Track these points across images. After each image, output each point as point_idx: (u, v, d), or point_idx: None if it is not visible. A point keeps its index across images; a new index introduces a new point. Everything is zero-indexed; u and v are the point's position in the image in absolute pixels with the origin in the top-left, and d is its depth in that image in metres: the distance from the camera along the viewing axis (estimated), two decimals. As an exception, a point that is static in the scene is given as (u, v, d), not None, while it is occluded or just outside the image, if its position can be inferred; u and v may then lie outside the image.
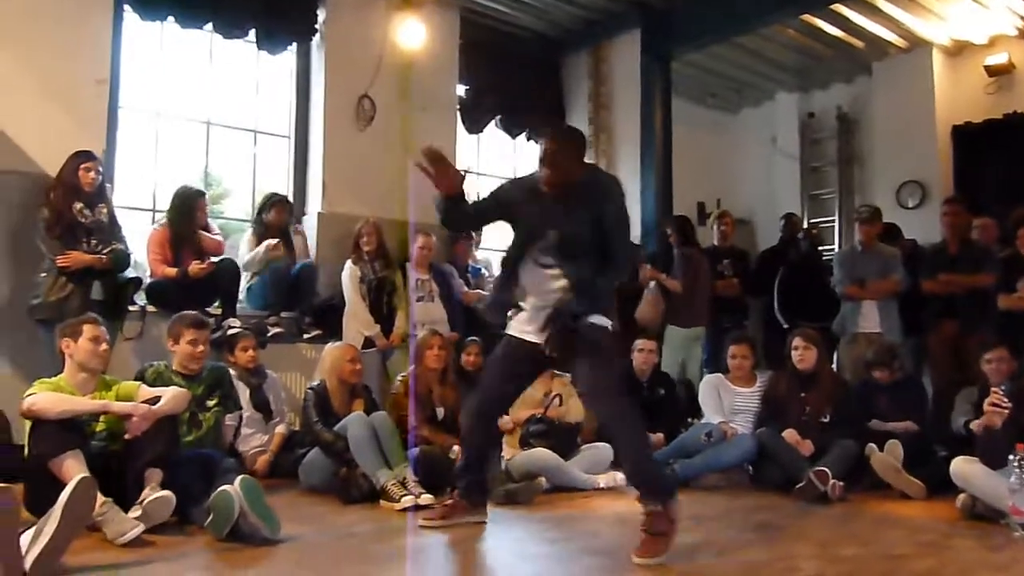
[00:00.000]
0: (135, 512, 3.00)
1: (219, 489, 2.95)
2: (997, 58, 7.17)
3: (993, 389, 3.59)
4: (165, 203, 5.29)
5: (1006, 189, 6.58)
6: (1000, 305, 5.09)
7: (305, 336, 5.47)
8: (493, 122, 7.19)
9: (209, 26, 5.71)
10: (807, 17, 6.93)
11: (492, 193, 3.31)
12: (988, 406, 3.60)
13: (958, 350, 5.12)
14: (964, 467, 3.65)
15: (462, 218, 3.31)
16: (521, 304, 3.22)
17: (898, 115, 7.59)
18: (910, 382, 5.02)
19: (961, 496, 3.67)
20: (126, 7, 5.35)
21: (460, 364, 4.87)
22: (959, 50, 7.46)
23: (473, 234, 6.31)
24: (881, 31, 7.16)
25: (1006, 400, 3.57)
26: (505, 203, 3.23)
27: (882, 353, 4.99)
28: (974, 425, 4.18)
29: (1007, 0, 6.54)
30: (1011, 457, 3.33)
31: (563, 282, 3.04)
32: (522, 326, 3.20)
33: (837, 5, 6.66)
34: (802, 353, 4.70)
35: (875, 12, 6.83)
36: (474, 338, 5.05)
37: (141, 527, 2.91)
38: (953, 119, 7.38)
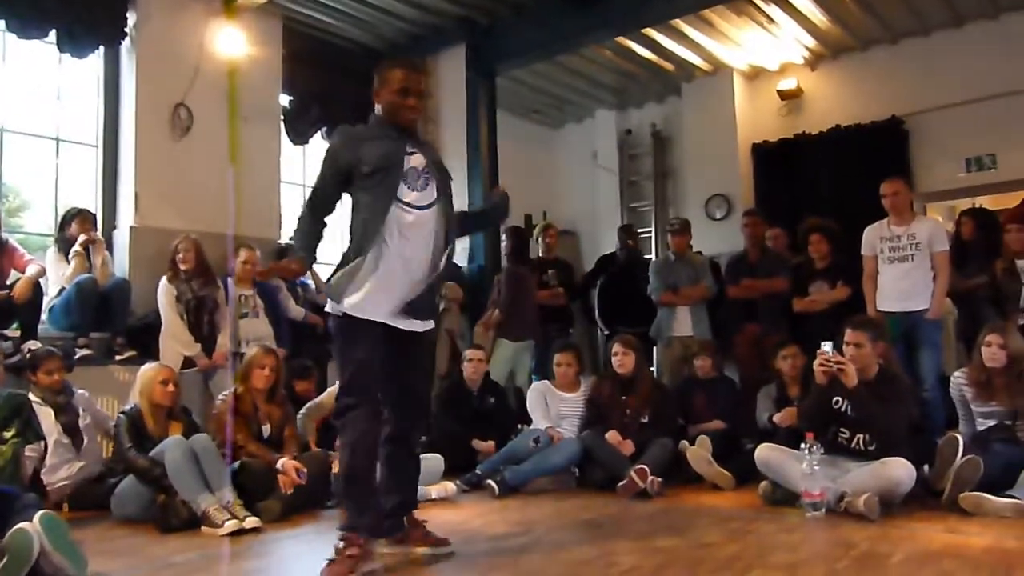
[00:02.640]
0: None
1: (15, 527, 2.72)
2: (787, 83, 7.89)
3: (819, 352, 3.89)
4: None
5: (798, 202, 7.24)
6: (795, 308, 5.59)
7: (117, 358, 5.13)
8: (319, 133, 7.07)
9: (0, 24, 5.27)
10: (622, 40, 7.32)
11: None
12: (817, 366, 3.89)
13: (759, 349, 5.57)
14: (767, 454, 3.99)
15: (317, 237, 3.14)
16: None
17: (705, 133, 8.17)
18: (723, 380, 5.43)
19: (763, 484, 4.00)
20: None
21: (290, 383, 4.75)
22: (756, 75, 8.15)
23: None
24: (688, 55, 7.69)
25: (830, 354, 3.85)
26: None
27: (704, 346, 5.45)
28: (776, 418, 4.62)
29: (794, 32, 7.20)
30: (802, 445, 3.68)
31: None
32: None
33: (648, 29, 7.09)
34: (621, 358, 4.96)
35: (682, 37, 7.32)
36: (308, 364, 4.95)
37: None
38: (753, 138, 8.03)
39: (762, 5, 6.72)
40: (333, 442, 4.29)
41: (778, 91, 7.91)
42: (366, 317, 2.88)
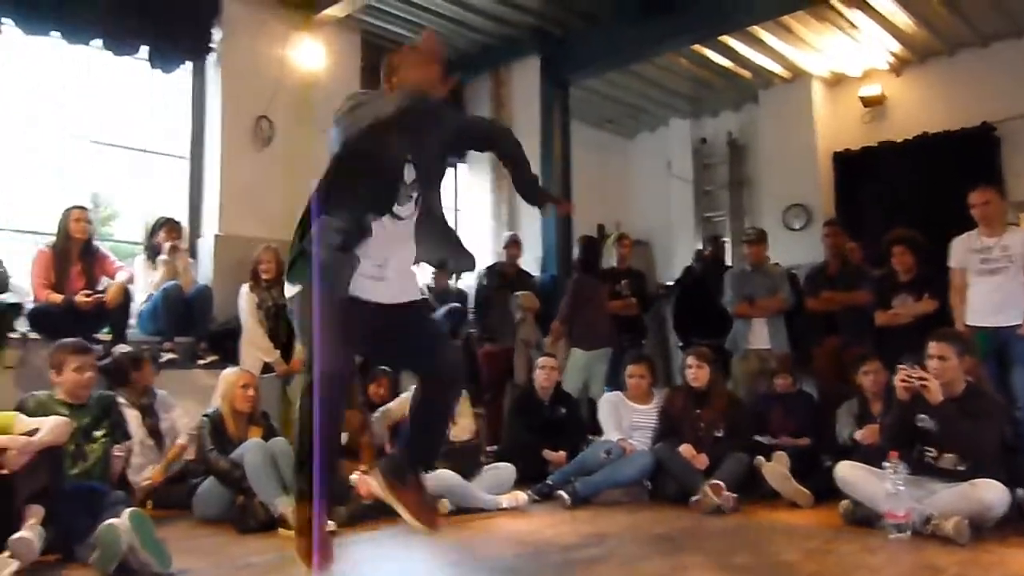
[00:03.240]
0: (6, 557, 2.84)
1: (105, 523, 2.83)
2: (870, 90, 7.66)
3: (900, 367, 3.77)
4: (51, 226, 5.07)
5: (881, 212, 7.01)
6: (877, 322, 5.40)
7: (200, 362, 5.30)
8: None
9: (98, 43, 5.52)
10: (697, 47, 7.24)
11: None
12: (899, 381, 3.77)
13: (839, 364, 5.40)
14: (848, 471, 3.86)
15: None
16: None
17: (783, 141, 7.99)
18: (801, 394, 5.29)
19: (843, 502, 3.86)
20: (5, 20, 5.12)
21: (364, 388, 4.83)
22: (837, 81, 7.94)
23: None
24: (766, 62, 7.55)
25: (914, 370, 3.72)
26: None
27: (783, 361, 5.30)
28: (858, 435, 4.46)
29: (878, 36, 7.00)
30: (886, 464, 3.54)
31: None
32: None
33: (725, 37, 6.99)
34: (695, 371, 4.88)
35: (760, 44, 7.19)
36: (384, 368, 5.04)
37: (13, 566, 2.75)
38: (834, 146, 7.82)
39: (844, 10, 6.55)
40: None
41: (861, 98, 7.69)
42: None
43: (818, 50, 7.34)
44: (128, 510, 2.91)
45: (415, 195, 2.83)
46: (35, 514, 2.98)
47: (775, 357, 5.54)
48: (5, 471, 2.97)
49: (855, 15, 6.64)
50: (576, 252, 6.58)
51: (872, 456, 3.98)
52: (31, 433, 3.09)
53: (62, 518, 3.02)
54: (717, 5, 6.28)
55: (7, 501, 2.95)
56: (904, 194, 7.15)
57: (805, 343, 5.85)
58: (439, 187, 3.01)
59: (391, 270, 2.80)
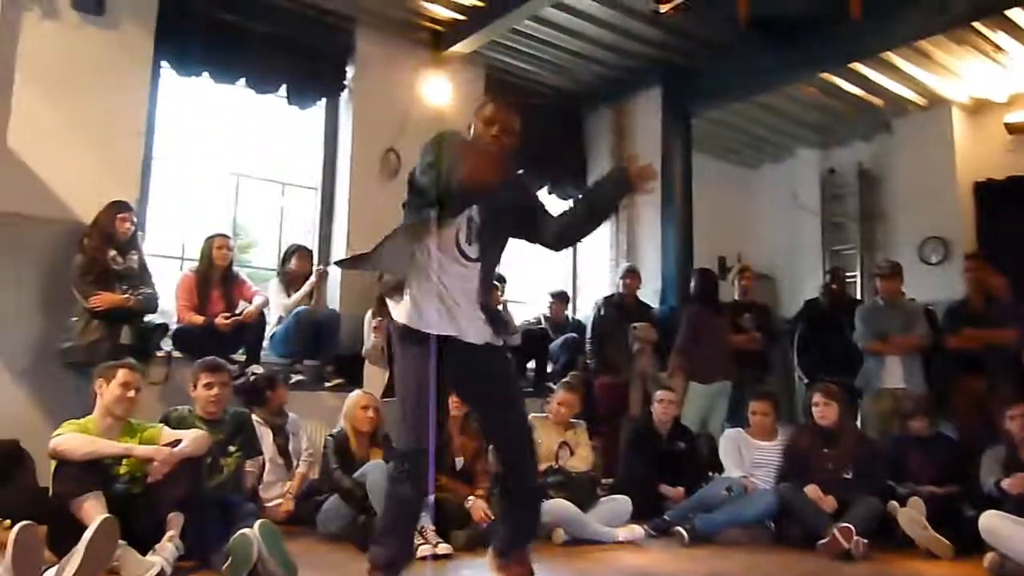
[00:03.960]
0: (152, 557, 3.01)
1: (238, 532, 2.97)
2: (1017, 116, 7.20)
3: None
4: (193, 252, 5.43)
5: (1028, 246, 6.56)
6: (1025, 361, 5.05)
7: (327, 384, 5.51)
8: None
9: (242, 82, 5.91)
10: (826, 75, 7.02)
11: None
12: None
13: (983, 406, 5.05)
14: (994, 522, 3.60)
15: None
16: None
17: (919, 172, 7.62)
18: (941, 438, 4.96)
19: (989, 555, 3.60)
20: (163, 63, 5.56)
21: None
22: (978, 108, 7.52)
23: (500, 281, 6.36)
24: (900, 89, 7.24)
25: None
26: None
27: (920, 402, 5.00)
28: (1005, 484, 4.14)
29: (1025, 59, 6.61)
30: (1039, 515, 3.28)
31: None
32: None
33: (855, 64, 6.75)
34: (823, 409, 4.69)
35: (893, 70, 6.91)
36: None
37: (158, 567, 2.92)
38: (975, 176, 7.39)
39: (987, 32, 6.22)
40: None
41: (1006, 124, 7.24)
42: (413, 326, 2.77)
43: (958, 75, 6.98)
44: (259, 521, 3.04)
45: (483, 238, 2.85)
46: (176, 523, 3.16)
47: (910, 397, 5.23)
48: (150, 479, 3.17)
49: (999, 37, 6.29)
50: (692, 283, 6.47)
51: (1022, 507, 3.70)
52: (174, 444, 3.28)
53: (199, 526, 3.19)
54: (848, 31, 6.07)
55: (152, 507, 3.14)
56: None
57: (943, 383, 5.51)
58: (498, 249, 2.99)
59: (463, 312, 2.82)
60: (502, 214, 2.89)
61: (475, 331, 2.84)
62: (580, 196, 3.21)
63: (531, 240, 3.04)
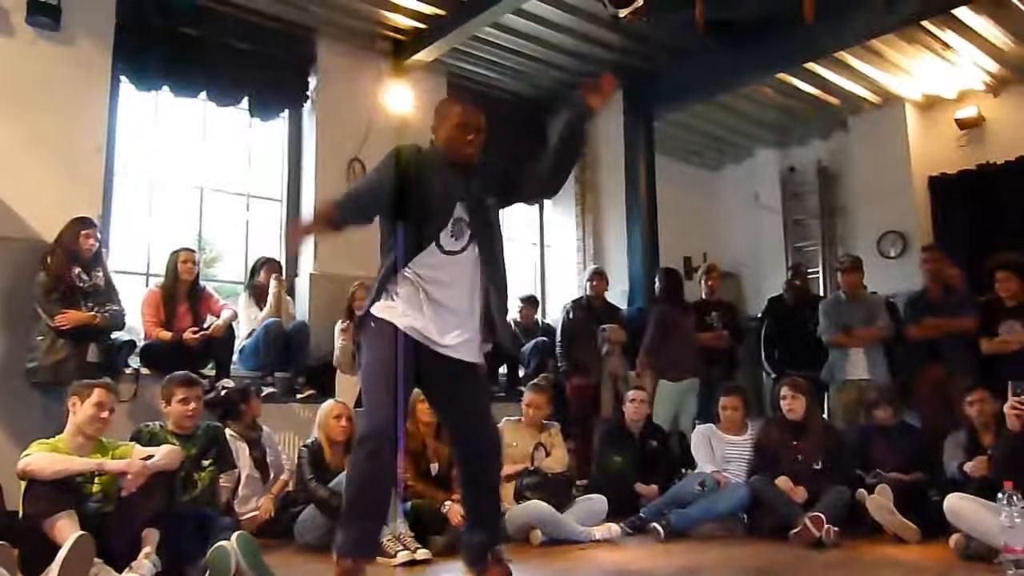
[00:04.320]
0: (129, 575, 2.99)
1: (216, 545, 2.96)
2: (967, 112, 7.42)
3: (1012, 395, 3.64)
4: (159, 267, 5.38)
5: (982, 237, 6.74)
6: (983, 349, 5.18)
7: (298, 396, 5.48)
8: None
9: (203, 95, 5.87)
10: (783, 76, 7.17)
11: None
12: (1009, 410, 3.65)
13: (943, 394, 5.18)
14: (959, 504, 3.69)
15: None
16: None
17: (876, 168, 7.80)
18: (904, 426, 5.07)
19: (955, 536, 3.70)
20: (122, 78, 5.51)
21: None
22: (931, 104, 7.72)
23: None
24: (854, 88, 7.41)
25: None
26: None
27: (884, 392, 5.10)
28: (968, 467, 4.26)
29: (973, 56, 6.79)
30: (1000, 495, 3.37)
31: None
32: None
33: (810, 64, 6.91)
34: (790, 402, 4.78)
35: (847, 70, 7.08)
36: None
37: (134, 587, 2.90)
38: (929, 171, 7.58)
39: (936, 31, 6.40)
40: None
41: (956, 120, 7.45)
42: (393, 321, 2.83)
43: (909, 73, 7.17)
44: (236, 533, 3.03)
45: (468, 233, 2.91)
46: (151, 539, 3.13)
47: (874, 388, 5.35)
48: (124, 493, 3.14)
49: (948, 35, 6.48)
50: (657, 284, 6.55)
51: (984, 489, 3.80)
52: (146, 459, 3.25)
53: (175, 541, 3.17)
54: (803, 32, 6.20)
55: (126, 524, 3.11)
56: (1006, 217, 6.86)
57: (905, 373, 5.64)
58: (494, 239, 3.06)
59: (456, 321, 2.88)
60: (486, 200, 2.98)
61: (463, 345, 2.88)
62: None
63: (526, 197, 3.20)
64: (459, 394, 2.98)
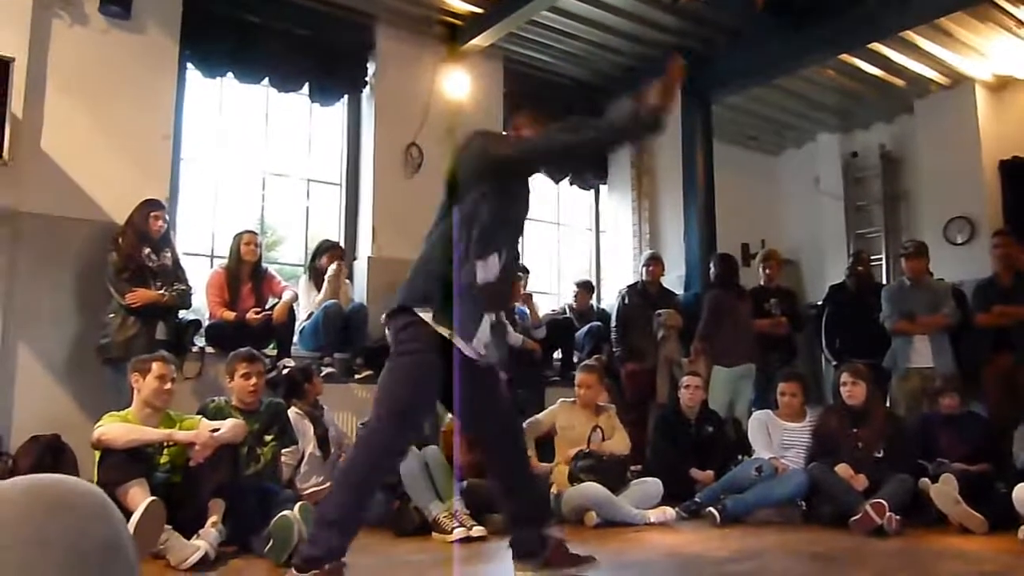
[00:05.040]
0: (196, 541, 3.10)
1: (279, 515, 3.04)
2: (1042, 92, 7.15)
3: None
4: (223, 250, 5.52)
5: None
6: (1056, 337, 5.01)
7: (356, 377, 5.58)
8: (537, 168, 7.33)
9: (265, 81, 5.99)
10: (846, 57, 6.99)
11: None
12: None
13: (1012, 383, 5.03)
14: (1028, 494, 3.59)
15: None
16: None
17: (943, 152, 7.56)
18: (971, 415, 4.94)
19: (1024, 527, 3.60)
20: (189, 65, 5.65)
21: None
22: (1003, 85, 7.45)
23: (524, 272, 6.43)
24: (921, 69, 7.19)
25: None
26: None
27: (950, 380, 4.97)
28: (1039, 457, 4.14)
29: (1050, 34, 6.54)
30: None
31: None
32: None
33: (876, 44, 6.72)
34: (851, 388, 4.69)
35: (914, 50, 6.86)
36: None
37: (202, 550, 3.00)
38: (1000, 154, 7.32)
39: (1010, 8, 6.16)
40: (552, 457, 4.43)
41: (1030, 101, 7.19)
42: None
43: (980, 53, 6.92)
44: (299, 503, 3.11)
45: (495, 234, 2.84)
46: (217, 508, 3.25)
47: (939, 376, 5.21)
48: (192, 463, 3.25)
49: (1021, 12, 6.24)
50: (712, 269, 6.48)
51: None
52: (214, 432, 3.36)
53: (239, 512, 3.27)
54: (866, 11, 6.06)
55: (194, 491, 3.23)
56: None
57: (972, 362, 5.48)
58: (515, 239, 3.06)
59: (491, 328, 2.84)
60: (506, 196, 2.87)
61: (493, 350, 2.85)
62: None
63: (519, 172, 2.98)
64: (482, 393, 2.89)
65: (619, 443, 4.67)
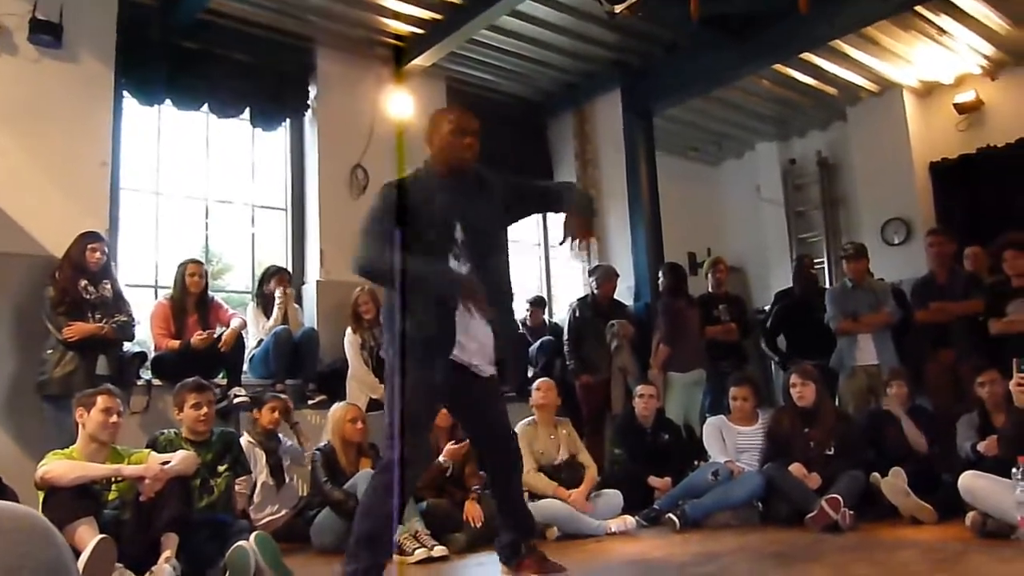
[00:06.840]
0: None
1: (235, 544, 2.97)
2: (965, 96, 7.43)
3: (1016, 371, 3.64)
4: (167, 279, 5.41)
5: (986, 220, 6.74)
6: (992, 330, 5.16)
7: (309, 402, 5.49)
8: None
9: (205, 107, 5.91)
10: (780, 68, 7.19)
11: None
12: (1015, 387, 3.66)
13: (954, 377, 5.18)
14: (974, 482, 3.69)
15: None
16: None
17: (876, 156, 7.81)
18: (917, 410, 5.06)
19: (971, 514, 3.69)
20: (125, 93, 5.55)
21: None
22: (928, 91, 7.74)
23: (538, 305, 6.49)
24: (852, 77, 7.43)
25: None
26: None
27: (897, 372, 5.09)
28: (981, 447, 4.26)
29: (969, 40, 6.81)
30: (1014, 471, 3.37)
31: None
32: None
33: (808, 54, 6.92)
34: (800, 390, 4.78)
35: (844, 59, 7.09)
36: None
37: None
38: (929, 156, 7.60)
39: (931, 16, 6.41)
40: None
41: (955, 105, 7.47)
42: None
43: (906, 60, 7.19)
44: (254, 533, 3.04)
45: (470, 252, 2.95)
46: (170, 543, 3.15)
47: (887, 369, 5.33)
48: (142, 498, 3.16)
49: (943, 21, 6.49)
50: (661, 279, 6.56)
51: (997, 469, 3.80)
52: (163, 464, 3.27)
53: (193, 545, 3.18)
54: (797, 22, 6.23)
55: (145, 529, 3.13)
56: (1009, 199, 6.87)
57: (915, 358, 5.63)
58: (497, 254, 3.15)
59: (470, 337, 2.94)
60: (488, 216, 3.01)
61: (481, 360, 2.96)
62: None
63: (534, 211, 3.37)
64: (480, 406, 3.08)
65: (583, 454, 4.70)
